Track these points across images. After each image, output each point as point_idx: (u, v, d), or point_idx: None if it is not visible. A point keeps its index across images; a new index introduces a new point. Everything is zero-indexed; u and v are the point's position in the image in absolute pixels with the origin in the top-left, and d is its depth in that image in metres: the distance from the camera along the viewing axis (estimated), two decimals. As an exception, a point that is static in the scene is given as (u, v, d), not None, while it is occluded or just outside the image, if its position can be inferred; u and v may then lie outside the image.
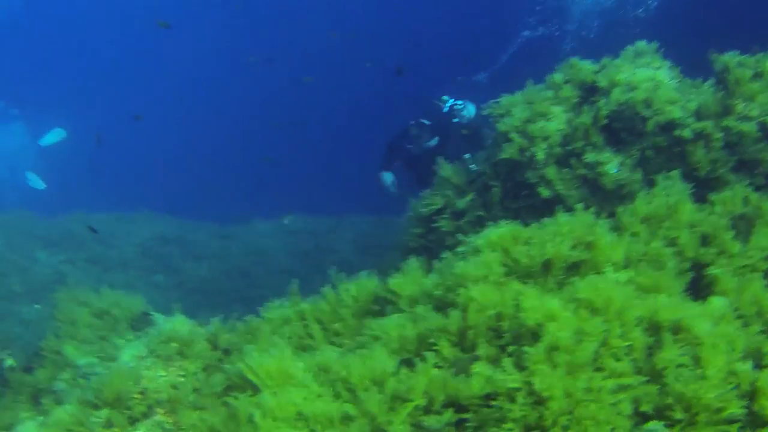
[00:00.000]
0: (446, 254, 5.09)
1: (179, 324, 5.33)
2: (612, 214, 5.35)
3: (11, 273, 12.84)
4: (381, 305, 5.15)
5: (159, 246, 15.86)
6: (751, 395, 3.79)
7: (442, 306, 4.56)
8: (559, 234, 4.68)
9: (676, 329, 4.08)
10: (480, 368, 4.01)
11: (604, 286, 4.20)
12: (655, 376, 3.92)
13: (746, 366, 3.88)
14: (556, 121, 6.35)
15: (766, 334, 4.19)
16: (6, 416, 6.14)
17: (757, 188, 5.70)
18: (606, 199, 6.20)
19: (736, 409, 3.73)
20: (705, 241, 5.04)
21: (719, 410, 3.73)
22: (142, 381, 4.92)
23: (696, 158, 6.07)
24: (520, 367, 3.89)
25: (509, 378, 3.83)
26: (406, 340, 4.40)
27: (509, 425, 3.70)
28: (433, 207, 7.10)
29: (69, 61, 39.29)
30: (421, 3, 29.79)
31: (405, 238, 7.38)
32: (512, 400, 3.77)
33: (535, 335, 4.05)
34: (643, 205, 5.26)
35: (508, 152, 6.43)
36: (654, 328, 4.09)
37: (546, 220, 4.94)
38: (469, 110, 11.35)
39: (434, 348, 4.23)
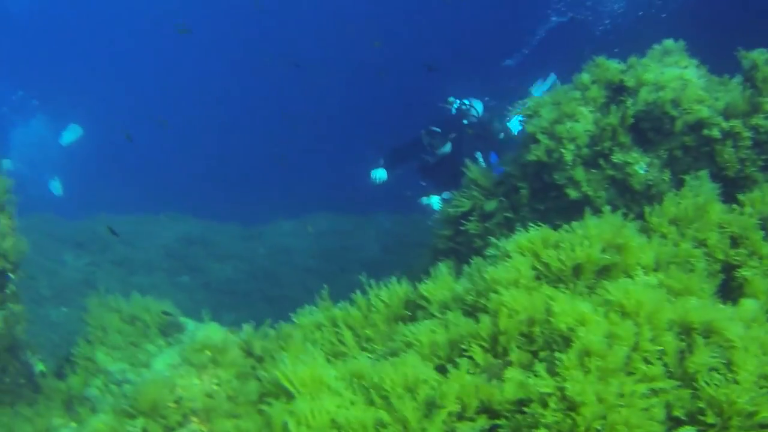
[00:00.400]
0: (476, 259, 5.10)
1: (212, 331, 5.36)
2: (640, 215, 5.34)
3: (39, 276, 12.94)
4: (412, 310, 5.18)
5: (183, 247, 15.96)
6: (784, 399, 3.78)
7: (472, 311, 4.57)
8: (588, 237, 4.67)
9: (708, 332, 4.06)
10: (512, 374, 4.02)
11: (634, 290, 4.19)
12: (687, 380, 3.92)
13: (779, 369, 3.88)
14: (584, 121, 6.34)
15: (798, 336, 4.18)
16: (40, 423, 6.19)
17: (788, 187, 5.67)
18: (634, 199, 6.19)
19: (768, 412, 3.73)
20: (735, 242, 5.02)
21: (752, 414, 3.73)
22: (177, 389, 4.94)
23: (724, 157, 6.04)
24: (553, 372, 3.90)
25: (542, 383, 3.83)
26: (438, 346, 4.41)
27: (542, 431, 3.70)
28: (460, 209, 7.11)
29: (91, 56, 39.37)
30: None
31: (433, 240, 7.40)
32: (545, 405, 3.77)
33: (566, 340, 4.05)
34: (671, 206, 5.24)
35: (535, 153, 6.42)
36: (685, 332, 4.08)
37: (574, 223, 4.93)
38: (477, 108, 11.33)
39: (466, 354, 4.25)
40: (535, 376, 3.91)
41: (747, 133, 6.04)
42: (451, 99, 11.25)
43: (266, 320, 5.51)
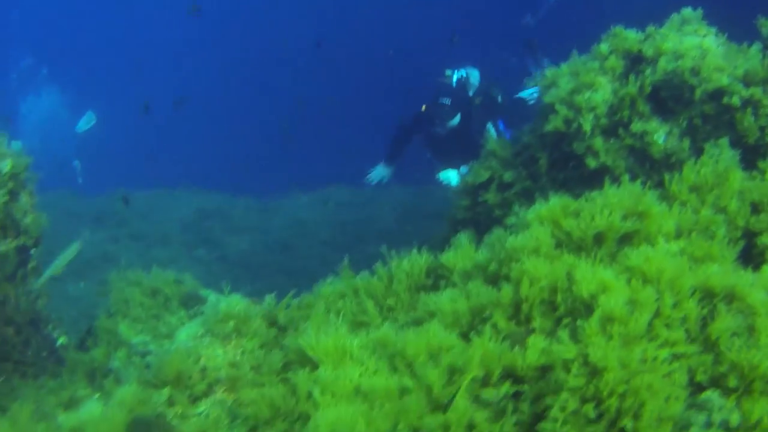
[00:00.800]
0: (496, 228, 5.12)
1: (235, 302, 5.39)
2: (659, 184, 5.33)
3: (57, 251, 12.99)
4: (433, 280, 5.21)
5: (200, 221, 16.01)
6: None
7: (494, 280, 4.60)
8: (608, 205, 4.68)
9: (730, 298, 4.08)
10: (535, 340, 4.04)
11: (655, 256, 4.20)
12: (709, 346, 3.94)
13: (801, 334, 3.89)
14: (602, 91, 6.32)
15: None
16: (64, 394, 6.26)
17: (808, 154, 5.67)
18: (653, 168, 6.19)
19: (791, 377, 3.74)
20: (755, 209, 5.02)
21: (774, 378, 3.75)
22: (201, 360, 4.99)
23: (744, 125, 6.02)
24: (575, 339, 3.92)
25: (564, 349, 3.86)
26: (460, 315, 4.44)
27: (565, 395, 3.73)
28: (479, 179, 7.13)
29: (105, 28, 39.32)
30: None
31: (452, 210, 7.42)
32: (568, 370, 3.79)
33: (588, 307, 4.08)
34: (691, 174, 5.22)
35: (553, 124, 6.42)
36: (707, 298, 4.09)
37: (594, 192, 4.94)
38: (475, 76, 11.19)
39: (489, 322, 4.28)
40: (558, 342, 3.94)
41: (767, 101, 6.02)
42: (449, 72, 11.08)
43: (290, 291, 5.54)
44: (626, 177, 5.18)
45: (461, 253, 5.03)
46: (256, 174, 25.62)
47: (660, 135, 6.19)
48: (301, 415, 4.27)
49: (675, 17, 6.49)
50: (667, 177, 5.24)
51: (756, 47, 6.30)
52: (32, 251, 6.79)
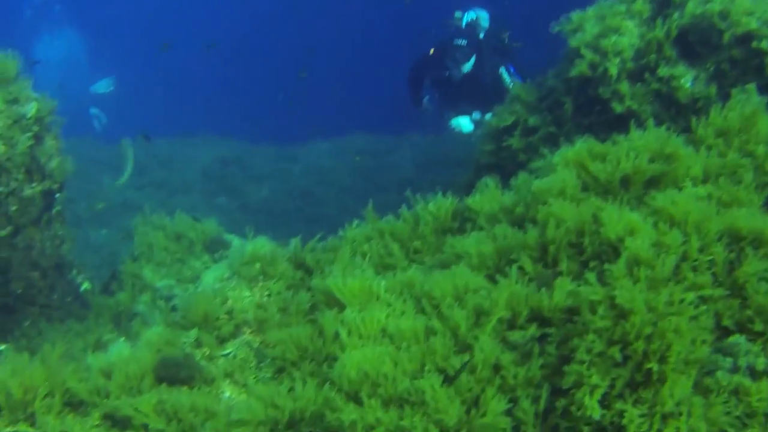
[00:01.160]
0: (521, 172, 5.10)
1: (261, 245, 5.41)
2: (686, 129, 5.29)
3: (78, 198, 13.07)
4: (460, 223, 5.21)
5: (220, 168, 16.03)
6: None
7: (520, 223, 4.60)
8: (635, 149, 4.66)
9: (757, 243, 4.06)
10: (562, 282, 4.05)
11: (682, 199, 4.19)
12: (736, 290, 3.93)
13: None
14: (629, 35, 6.26)
15: None
16: (90, 337, 6.34)
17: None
18: (680, 113, 6.14)
19: (818, 320, 3.74)
20: (783, 154, 4.98)
21: (801, 321, 3.75)
22: (228, 302, 5.03)
23: (773, 70, 5.96)
24: (602, 282, 3.92)
25: (591, 291, 3.86)
26: (487, 257, 4.45)
27: (591, 337, 3.73)
28: (503, 123, 7.10)
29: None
30: None
31: (476, 155, 7.40)
32: (594, 312, 3.80)
33: (615, 250, 4.07)
34: (718, 118, 5.16)
35: (579, 68, 6.37)
36: (734, 242, 4.08)
37: (619, 136, 4.91)
38: (484, 18, 10.93)
39: (515, 264, 4.28)
40: (585, 284, 3.94)
41: (797, 45, 5.95)
42: (458, 13, 10.83)
43: (317, 234, 5.55)
44: (651, 122, 5.12)
45: (487, 196, 5.02)
46: (276, 121, 25.54)
47: (687, 80, 6.13)
48: (328, 356, 4.31)
49: (704, -40, 6.40)
50: (693, 120, 5.20)
51: (787, -11, 6.22)
52: (57, 196, 6.81)
